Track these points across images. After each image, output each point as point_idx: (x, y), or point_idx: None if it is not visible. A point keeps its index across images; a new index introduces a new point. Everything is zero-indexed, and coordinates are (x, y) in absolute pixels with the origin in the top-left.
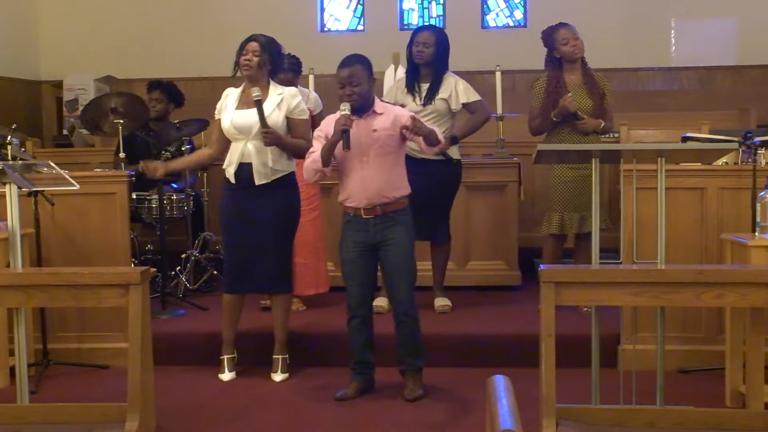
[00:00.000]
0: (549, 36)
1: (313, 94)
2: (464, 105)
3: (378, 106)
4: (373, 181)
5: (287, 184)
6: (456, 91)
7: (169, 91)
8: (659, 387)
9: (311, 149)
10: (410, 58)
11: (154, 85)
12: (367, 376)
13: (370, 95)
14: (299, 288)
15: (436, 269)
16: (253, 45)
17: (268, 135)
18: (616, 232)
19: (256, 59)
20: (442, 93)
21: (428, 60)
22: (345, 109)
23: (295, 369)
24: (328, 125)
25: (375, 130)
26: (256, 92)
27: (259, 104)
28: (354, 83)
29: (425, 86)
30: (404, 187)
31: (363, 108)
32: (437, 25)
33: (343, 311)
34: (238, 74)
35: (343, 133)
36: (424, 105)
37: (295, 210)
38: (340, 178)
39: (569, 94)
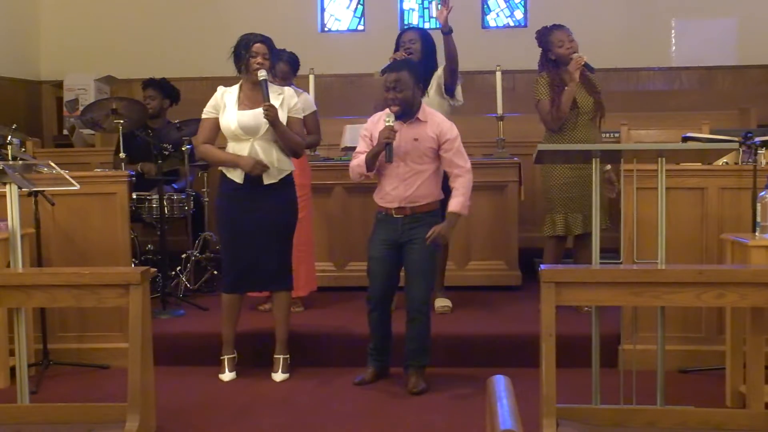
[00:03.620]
0: (544, 37)
1: (305, 95)
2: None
3: (422, 113)
4: (409, 187)
5: (289, 183)
6: (437, 76)
7: (162, 87)
8: (659, 387)
9: (357, 150)
10: None
11: (148, 82)
12: (383, 362)
13: (414, 102)
14: None
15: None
16: (263, 48)
17: (270, 109)
18: (616, 232)
19: (267, 62)
20: (432, 84)
21: (417, 59)
22: (389, 120)
23: (296, 369)
24: (372, 125)
25: (416, 139)
26: (262, 74)
27: (264, 83)
28: (398, 88)
29: None
30: (437, 193)
31: (406, 114)
32: (437, 25)
33: (343, 311)
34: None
35: (386, 145)
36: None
37: (296, 209)
38: (378, 177)
39: (577, 54)
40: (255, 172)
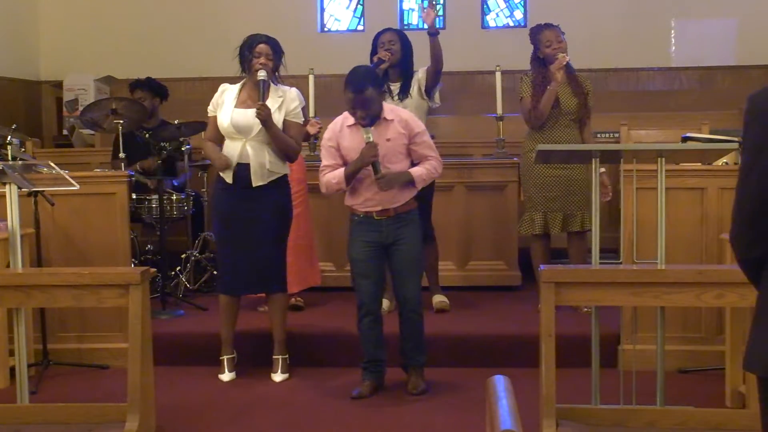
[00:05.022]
0: (534, 36)
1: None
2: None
3: (387, 112)
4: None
5: (281, 185)
6: (418, 79)
7: (150, 86)
8: (659, 387)
9: (325, 163)
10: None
11: (135, 84)
12: (379, 374)
13: (380, 108)
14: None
15: (429, 269)
16: (266, 48)
17: (262, 109)
18: (616, 232)
19: (270, 63)
20: (414, 86)
21: (397, 59)
22: (368, 136)
23: (295, 369)
24: (336, 134)
25: (389, 140)
26: (262, 74)
27: (263, 83)
28: (366, 106)
29: (396, 85)
30: (414, 190)
31: (374, 119)
32: (438, 25)
33: (343, 311)
34: (243, 73)
35: (373, 164)
36: (401, 100)
37: (289, 211)
38: (354, 184)
39: (562, 55)
40: (220, 169)
